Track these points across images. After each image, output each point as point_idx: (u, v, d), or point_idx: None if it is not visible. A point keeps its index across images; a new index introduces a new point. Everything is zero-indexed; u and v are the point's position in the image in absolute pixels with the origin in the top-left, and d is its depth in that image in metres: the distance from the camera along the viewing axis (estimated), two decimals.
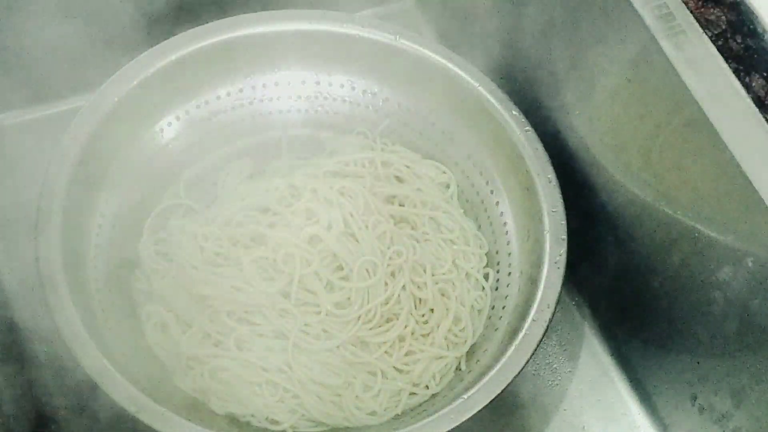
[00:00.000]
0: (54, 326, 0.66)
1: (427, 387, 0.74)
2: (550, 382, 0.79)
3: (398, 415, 0.72)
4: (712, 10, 0.65)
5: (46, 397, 0.76)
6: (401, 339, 0.75)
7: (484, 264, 0.79)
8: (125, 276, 0.76)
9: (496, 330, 0.74)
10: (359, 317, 0.74)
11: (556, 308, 0.70)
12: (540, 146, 0.76)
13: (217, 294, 0.74)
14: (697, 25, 0.64)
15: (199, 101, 0.82)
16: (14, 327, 0.78)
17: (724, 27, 0.64)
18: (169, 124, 0.81)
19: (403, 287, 0.75)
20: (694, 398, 0.70)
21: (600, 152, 0.75)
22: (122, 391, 0.64)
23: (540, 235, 0.73)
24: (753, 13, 0.65)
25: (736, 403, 0.66)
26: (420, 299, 0.76)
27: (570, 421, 0.78)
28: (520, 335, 0.69)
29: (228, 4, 0.84)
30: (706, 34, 0.64)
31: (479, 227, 0.81)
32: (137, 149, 0.79)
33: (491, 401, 0.66)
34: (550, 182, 0.75)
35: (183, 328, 0.74)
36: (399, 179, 0.83)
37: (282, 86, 0.84)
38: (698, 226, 0.66)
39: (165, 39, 0.79)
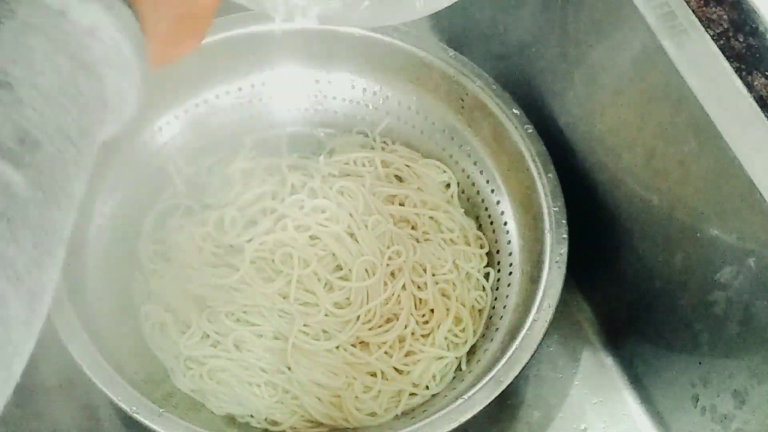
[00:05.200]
0: (52, 327, 0.66)
1: (427, 387, 0.73)
2: (551, 383, 0.79)
3: (398, 415, 0.72)
4: (713, 9, 0.64)
5: (44, 397, 0.75)
6: (401, 339, 0.74)
7: (485, 264, 0.79)
8: (124, 276, 0.76)
9: (496, 330, 0.74)
10: (359, 317, 0.74)
11: (557, 308, 0.69)
12: (541, 145, 0.76)
13: (215, 294, 0.74)
14: (698, 24, 0.64)
15: (198, 100, 0.82)
16: None
17: (725, 26, 0.64)
18: (168, 123, 0.81)
19: (403, 287, 0.75)
20: (696, 399, 0.70)
21: (602, 151, 0.74)
22: (121, 392, 0.64)
23: (541, 235, 0.73)
24: (755, 11, 0.65)
25: (739, 404, 0.66)
26: (420, 299, 0.76)
27: (571, 422, 0.77)
28: (521, 335, 0.68)
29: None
30: (708, 33, 0.64)
31: (480, 227, 0.81)
32: (136, 148, 0.79)
33: (492, 401, 0.66)
34: (551, 181, 0.74)
35: (181, 328, 0.74)
36: (399, 179, 0.82)
37: (281, 85, 0.84)
38: (700, 226, 0.65)
39: None
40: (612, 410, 0.78)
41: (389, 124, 0.84)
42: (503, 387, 0.66)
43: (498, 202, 0.79)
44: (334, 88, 0.84)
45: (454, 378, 0.74)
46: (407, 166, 0.82)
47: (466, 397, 0.66)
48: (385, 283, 0.75)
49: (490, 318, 0.76)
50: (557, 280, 0.70)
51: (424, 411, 0.71)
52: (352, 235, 0.77)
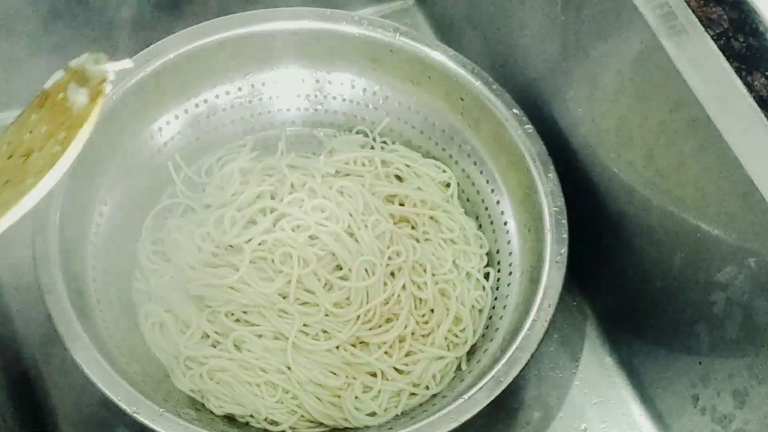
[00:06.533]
0: (52, 326, 0.66)
1: (427, 387, 0.73)
2: (551, 383, 0.79)
3: (398, 415, 0.72)
4: (713, 8, 0.64)
5: (44, 398, 0.75)
6: (401, 339, 0.74)
7: (485, 263, 0.79)
8: (123, 276, 0.76)
9: (496, 330, 0.74)
10: (358, 317, 0.74)
11: (557, 308, 0.69)
12: (541, 145, 0.76)
13: (215, 294, 0.73)
14: (698, 24, 0.64)
15: (198, 100, 0.82)
16: (12, 328, 0.78)
17: (725, 26, 0.64)
18: (168, 123, 0.81)
19: (403, 287, 0.75)
20: (696, 399, 0.70)
21: (602, 151, 0.74)
22: (121, 392, 0.64)
23: (541, 234, 0.73)
24: (755, 11, 0.64)
25: (739, 404, 0.66)
26: (420, 299, 0.76)
27: (571, 422, 0.77)
28: (521, 335, 0.68)
29: (227, 2, 0.84)
30: (708, 33, 0.63)
31: (480, 226, 0.81)
32: (136, 148, 0.79)
33: (492, 401, 0.66)
34: (551, 181, 0.74)
35: (181, 328, 0.74)
36: (399, 178, 0.82)
37: (281, 85, 0.83)
38: (700, 226, 0.65)
39: (164, 37, 0.79)
40: (612, 410, 0.78)
41: (389, 124, 0.84)
42: (503, 387, 0.66)
43: (498, 202, 0.79)
44: (334, 88, 0.84)
45: (454, 378, 0.74)
46: (407, 165, 0.82)
47: (466, 397, 0.66)
48: (385, 283, 0.75)
49: (490, 318, 0.76)
50: (557, 280, 0.70)
51: (424, 411, 0.71)
52: (351, 234, 0.77)
